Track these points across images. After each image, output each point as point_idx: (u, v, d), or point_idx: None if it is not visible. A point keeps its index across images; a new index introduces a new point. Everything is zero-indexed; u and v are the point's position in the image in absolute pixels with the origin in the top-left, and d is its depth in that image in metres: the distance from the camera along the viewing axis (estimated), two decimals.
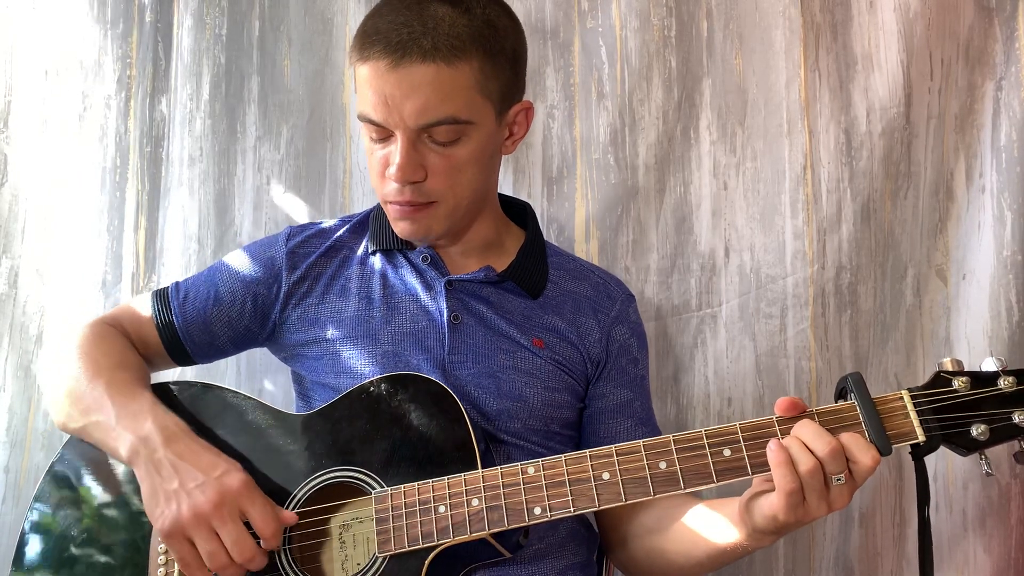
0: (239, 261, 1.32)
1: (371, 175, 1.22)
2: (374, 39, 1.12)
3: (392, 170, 1.15)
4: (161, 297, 1.31)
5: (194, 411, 1.20)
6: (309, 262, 1.29)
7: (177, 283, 1.33)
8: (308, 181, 1.75)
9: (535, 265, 1.31)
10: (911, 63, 1.71)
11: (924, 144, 1.72)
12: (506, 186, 1.74)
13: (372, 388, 1.15)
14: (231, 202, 1.75)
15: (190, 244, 1.73)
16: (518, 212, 1.38)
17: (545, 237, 1.70)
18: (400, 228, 1.23)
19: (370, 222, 1.33)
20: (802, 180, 1.72)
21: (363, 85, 1.15)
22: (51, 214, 1.73)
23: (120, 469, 1.18)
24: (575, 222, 1.73)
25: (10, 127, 1.74)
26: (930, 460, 1.65)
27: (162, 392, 1.20)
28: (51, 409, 1.22)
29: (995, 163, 1.69)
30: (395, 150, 1.15)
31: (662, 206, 1.74)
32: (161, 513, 1.06)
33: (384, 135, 1.16)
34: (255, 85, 1.77)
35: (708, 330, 1.72)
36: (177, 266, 1.71)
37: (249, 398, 1.21)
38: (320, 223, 1.36)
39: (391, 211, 1.21)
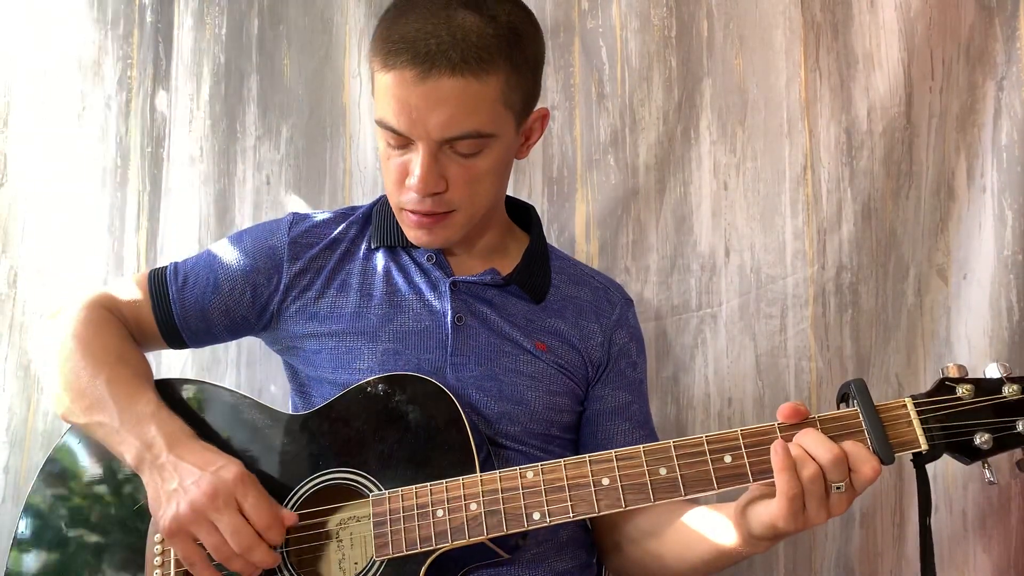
0: (239, 248, 1.29)
1: (386, 181, 1.19)
2: (400, 47, 1.08)
3: (413, 180, 1.12)
4: (159, 280, 1.28)
5: (195, 410, 1.20)
6: (311, 254, 1.27)
7: (175, 264, 1.30)
8: (308, 181, 1.75)
9: (539, 270, 1.30)
10: (912, 62, 1.70)
11: (925, 143, 1.71)
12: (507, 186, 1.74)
13: (369, 388, 1.15)
14: (231, 202, 1.74)
15: (191, 244, 1.73)
16: (522, 214, 1.38)
17: (546, 238, 1.71)
18: (415, 236, 1.20)
19: (374, 216, 1.31)
20: (802, 180, 1.72)
21: (384, 93, 1.11)
22: (51, 214, 1.72)
23: (112, 472, 1.17)
24: (575, 223, 1.73)
25: (10, 127, 1.73)
26: None
27: (164, 389, 1.19)
28: (52, 401, 1.21)
29: (996, 163, 1.69)
30: (416, 160, 1.12)
31: (662, 206, 1.73)
32: (163, 514, 1.06)
33: (403, 143, 1.13)
34: (255, 85, 1.76)
35: (708, 330, 1.71)
36: None
37: (246, 398, 1.20)
38: (324, 215, 1.33)
39: (408, 219, 1.19)
